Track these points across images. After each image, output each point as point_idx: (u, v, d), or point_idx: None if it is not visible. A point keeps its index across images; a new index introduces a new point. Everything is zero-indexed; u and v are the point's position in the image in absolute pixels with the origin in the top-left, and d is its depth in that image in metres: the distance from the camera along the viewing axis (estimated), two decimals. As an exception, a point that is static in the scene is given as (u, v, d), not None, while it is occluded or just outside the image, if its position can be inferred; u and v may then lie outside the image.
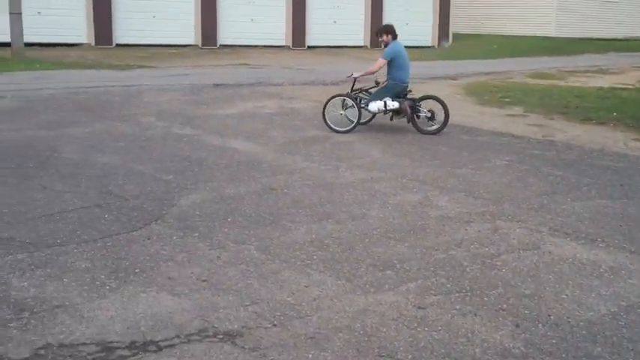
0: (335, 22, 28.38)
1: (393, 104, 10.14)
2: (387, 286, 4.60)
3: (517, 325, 4.10)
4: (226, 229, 5.72)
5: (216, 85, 15.27)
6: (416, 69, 21.16)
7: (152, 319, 4.10)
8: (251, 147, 9.01)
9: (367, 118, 10.62)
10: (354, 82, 10.50)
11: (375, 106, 10.19)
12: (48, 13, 21.97)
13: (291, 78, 17.14)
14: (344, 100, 10.36)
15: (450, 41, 31.92)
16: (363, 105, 10.27)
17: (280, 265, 4.99)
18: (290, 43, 27.55)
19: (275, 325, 4.04)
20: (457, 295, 4.48)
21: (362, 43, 29.35)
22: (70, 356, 3.67)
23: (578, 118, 11.97)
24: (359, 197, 6.75)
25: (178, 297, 4.43)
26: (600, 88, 16.05)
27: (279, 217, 6.07)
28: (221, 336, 3.92)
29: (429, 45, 31.12)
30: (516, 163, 8.42)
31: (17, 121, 10.36)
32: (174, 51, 23.94)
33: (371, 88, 10.47)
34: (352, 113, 10.29)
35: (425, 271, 4.88)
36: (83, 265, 4.88)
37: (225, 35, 25.99)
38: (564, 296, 4.53)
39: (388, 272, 4.84)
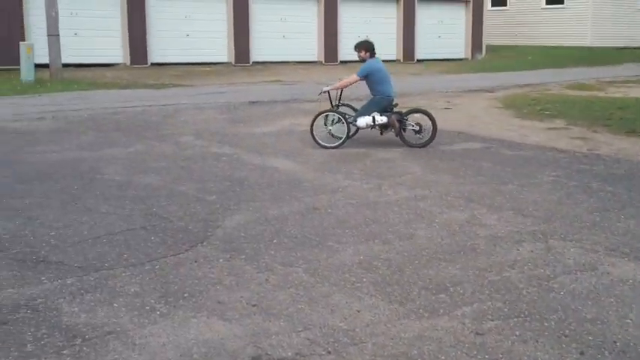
0: (367, 36, 28.33)
1: (381, 119, 10.21)
2: (441, 311, 4.49)
3: (582, 353, 3.95)
4: (272, 251, 5.65)
5: (252, 103, 15.32)
6: (450, 82, 21.17)
7: (204, 345, 4.03)
8: (291, 165, 8.96)
9: (352, 132, 10.61)
10: (341, 94, 10.56)
11: (364, 121, 10.23)
12: (84, 34, 22.28)
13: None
14: (329, 115, 10.43)
15: (484, 53, 31.74)
16: (350, 120, 10.31)
17: (330, 288, 4.90)
18: (322, 59, 27.60)
19: (329, 353, 3.95)
20: (516, 320, 4.35)
21: (394, 57, 29.30)
22: (125, 386, 3.62)
23: (622, 130, 11.75)
24: (404, 216, 6.65)
25: (229, 322, 4.36)
26: (642, 99, 15.80)
27: (325, 238, 5.99)
28: (275, 363, 3.84)
29: (462, 57, 30.99)
30: (564, 179, 8.25)
31: (58, 142, 10.45)
32: (208, 69, 24.12)
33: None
34: (339, 129, 10.36)
35: (479, 294, 4.76)
36: (132, 290, 4.84)
37: (258, 52, 26.13)
38: (628, 321, 4.37)
39: (442, 296, 4.73)
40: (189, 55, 24.44)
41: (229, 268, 5.29)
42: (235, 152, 9.78)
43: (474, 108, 14.93)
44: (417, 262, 5.41)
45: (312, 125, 10.44)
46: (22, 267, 5.23)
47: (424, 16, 29.83)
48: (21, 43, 19.27)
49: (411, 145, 10.28)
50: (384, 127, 10.38)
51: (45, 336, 4.11)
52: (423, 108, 11.25)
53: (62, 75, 19.34)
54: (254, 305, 4.61)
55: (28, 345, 3.99)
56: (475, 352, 3.93)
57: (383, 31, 28.79)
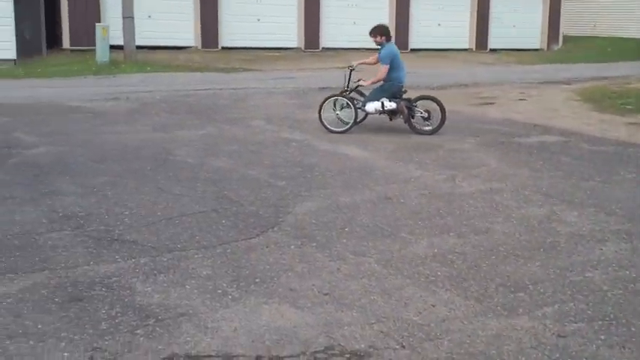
0: (439, 24, 27.94)
1: (390, 105, 10.11)
2: (520, 310, 4.32)
3: (672, 361, 3.76)
4: (344, 240, 5.56)
5: (321, 89, 15.23)
6: (525, 73, 20.69)
7: (276, 332, 3.98)
8: (362, 153, 8.85)
9: (360, 118, 10.47)
10: (350, 78, 10.38)
11: (372, 106, 10.17)
12: (158, 17, 22.51)
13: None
14: (339, 100, 10.34)
15: (561, 44, 30.92)
16: (359, 106, 10.22)
17: (403, 280, 4.79)
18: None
19: (404, 347, 3.84)
20: (600, 323, 4.15)
21: (467, 46, 28.81)
22: (197, 369, 3.60)
23: None
24: (480, 210, 6.47)
25: (301, 310, 4.29)
26: None
27: (398, 229, 5.87)
28: (348, 355, 3.75)
29: (538, 48, 30.26)
30: (647, 177, 7.93)
31: (132, 123, 10.57)
32: (277, 54, 24.13)
33: (358, 82, 10.35)
34: (347, 114, 10.28)
35: (561, 294, 4.57)
36: (204, 272, 4.82)
37: (328, 38, 26.01)
38: None
39: (521, 294, 4.56)
40: (259, 39, 24.48)
41: (301, 255, 5.23)
42: (306, 138, 9.72)
43: (550, 100, 14.53)
44: (494, 257, 5.24)
45: (320, 109, 10.37)
46: (98, 245, 5.27)
47: (499, 4, 29.19)
48: (97, 24, 19.61)
49: (419, 132, 10.22)
50: (392, 113, 10.29)
51: (119, 314, 4.12)
52: (432, 95, 11.10)
53: (136, 57, 19.61)
54: (326, 294, 4.53)
55: (103, 323, 4.01)
56: (557, 355, 3.76)
57: (456, 19, 28.33)
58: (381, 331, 4.01)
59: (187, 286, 4.58)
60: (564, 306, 4.38)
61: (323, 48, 25.92)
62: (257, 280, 4.72)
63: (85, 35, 20.79)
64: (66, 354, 3.68)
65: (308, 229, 5.83)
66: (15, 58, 19.33)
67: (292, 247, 5.39)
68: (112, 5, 21.28)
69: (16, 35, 19.32)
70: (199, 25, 23.55)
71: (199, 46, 23.59)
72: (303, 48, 25.49)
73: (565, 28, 31.58)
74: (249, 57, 22.58)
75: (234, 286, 4.62)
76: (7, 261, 4.88)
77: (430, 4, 27.77)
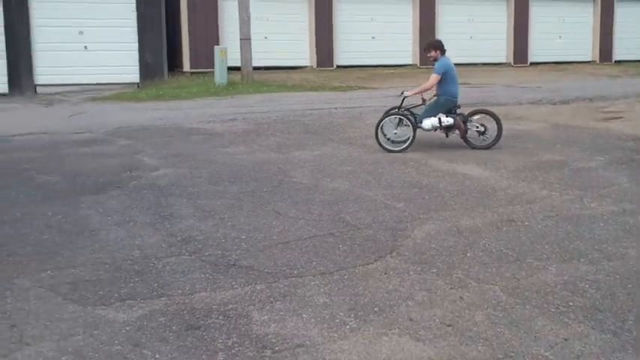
0: (560, 36, 27.02)
1: (447, 120, 9.91)
2: (665, 346, 3.95)
3: None
4: (466, 266, 5.30)
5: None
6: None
7: (397, 367, 3.79)
8: (482, 172, 8.53)
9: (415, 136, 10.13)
10: (403, 100, 10.12)
11: (429, 122, 9.94)
12: (274, 38, 22.87)
13: (516, 97, 16.42)
14: (397, 118, 10.00)
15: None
16: (416, 123, 10.00)
17: (532, 311, 4.49)
18: (511, 60, 26.63)
19: (535, 386, 3.57)
20: None
21: (589, 58, 27.71)
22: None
23: None
24: (612, 233, 6.05)
25: (423, 343, 4.08)
26: None
27: (523, 254, 5.55)
28: (474, 393, 3.52)
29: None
30: None
31: (249, 143, 10.65)
32: (392, 71, 23.98)
33: (417, 105, 10.21)
34: (405, 132, 9.98)
35: None
36: (321, 300, 4.69)
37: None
38: None
39: (664, 328, 4.18)
40: (374, 57, 24.45)
41: (421, 282, 5.02)
42: (423, 157, 9.48)
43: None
44: (631, 286, 4.85)
45: (377, 127, 10.05)
46: (215, 270, 5.24)
47: (626, 14, 27.94)
48: (215, 47, 20.10)
49: (474, 147, 9.99)
50: (448, 129, 10.00)
51: (236, 345, 4.04)
52: (487, 108, 10.74)
53: (253, 77, 19.96)
54: (449, 325, 4.30)
55: (220, 353, 3.93)
56: None
57: (578, 30, 27.35)
58: (510, 368, 3.75)
59: (304, 315, 4.45)
60: None
61: (438, 64, 25.57)
62: (376, 309, 4.54)
63: (205, 58, 21.38)
64: (183, 385, 3.62)
65: (428, 254, 5.61)
66: (138, 81, 20.11)
67: (412, 273, 5.19)
68: (230, 28, 21.79)
69: (140, 60, 20.11)
70: (314, 45, 23.76)
71: (314, 66, 23.78)
72: (418, 64, 25.24)
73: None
74: (364, 75, 22.55)
75: (352, 315, 4.46)
76: (127, 287, 4.92)
77: (550, 16, 26.92)
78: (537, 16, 26.76)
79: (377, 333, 4.21)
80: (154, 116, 13.98)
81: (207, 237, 6.03)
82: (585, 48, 27.69)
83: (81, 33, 19.64)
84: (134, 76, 20.23)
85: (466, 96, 16.52)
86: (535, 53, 26.76)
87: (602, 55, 27.94)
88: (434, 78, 9.99)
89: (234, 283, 4.99)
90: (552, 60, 26.65)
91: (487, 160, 9.23)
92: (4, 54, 18.78)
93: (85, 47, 19.73)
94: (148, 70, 20.31)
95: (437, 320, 4.37)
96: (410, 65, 25.17)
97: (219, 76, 19.47)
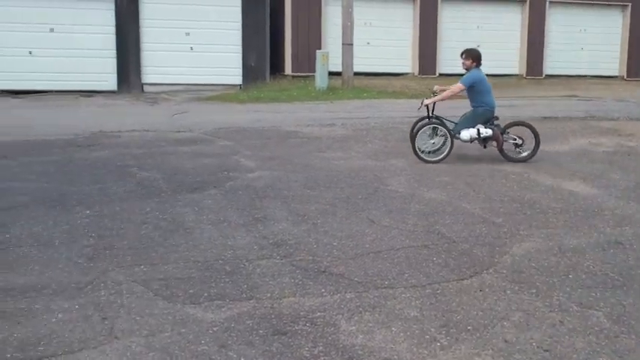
0: (582, 48, 25.64)
1: (486, 131, 9.65)
2: None
3: None
4: (568, 288, 5.02)
5: (544, 118, 14.46)
6: None
7: (489, 390, 3.59)
8: (588, 190, 8.14)
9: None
10: (433, 108, 9.79)
11: (468, 134, 9.66)
12: (376, 44, 22.75)
13: (628, 112, 15.71)
14: (433, 129, 9.66)
15: None
16: (454, 134, 9.72)
17: (638, 341, 4.19)
18: (624, 74, 25.57)
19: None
20: None
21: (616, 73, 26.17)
22: None
23: None
24: None
25: (517, 367, 3.87)
26: None
27: (631, 279, 5.22)
28: None
29: None
30: None
31: (346, 149, 10.57)
32: (496, 81, 23.37)
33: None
34: (440, 141, 9.77)
35: None
36: (412, 314, 4.53)
37: (552, 65, 24.91)
38: None
39: None
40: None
41: (518, 302, 4.78)
42: (526, 171, 9.14)
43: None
44: None
45: (414, 138, 9.70)
46: (304, 275, 5.17)
47: None
48: (317, 51, 20.17)
49: (511, 160, 9.73)
50: (485, 140, 9.74)
51: (321, 354, 3.94)
52: (525, 120, 10.44)
53: (353, 83, 19.90)
54: (546, 350, 4.07)
55: (305, 362, 3.85)
56: None
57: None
58: (613, 402, 3.50)
59: (393, 328, 4.31)
60: None
61: (546, 75, 24.84)
62: (469, 328, 4.35)
63: (306, 62, 21.49)
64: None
65: (526, 272, 5.35)
66: (240, 83, 20.40)
67: (508, 292, 4.96)
68: (332, 33, 21.82)
69: (243, 62, 20.41)
70: (417, 52, 23.50)
71: (416, 73, 23.53)
72: (524, 75, 24.60)
73: None
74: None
75: (444, 332, 4.28)
76: (217, 286, 4.91)
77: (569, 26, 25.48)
78: (554, 25, 25.37)
79: (469, 353, 4.02)
80: (253, 118, 14.11)
81: (299, 241, 5.97)
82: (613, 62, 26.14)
83: (187, 34, 20.09)
84: (237, 78, 20.54)
85: (573, 109, 15.99)
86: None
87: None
88: (457, 87, 9.75)
89: (323, 290, 4.90)
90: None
91: (595, 177, 8.82)
92: (114, 53, 19.43)
93: (191, 48, 20.17)
94: (250, 72, 20.58)
95: (534, 344, 4.15)
96: (515, 75, 24.54)
97: (320, 80, 19.51)
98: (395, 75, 23.09)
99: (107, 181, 8.14)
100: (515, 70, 24.75)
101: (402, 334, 4.25)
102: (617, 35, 25.73)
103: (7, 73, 18.70)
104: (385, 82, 21.62)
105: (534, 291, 4.98)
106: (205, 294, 4.77)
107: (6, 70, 18.72)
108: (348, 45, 19.82)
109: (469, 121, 9.80)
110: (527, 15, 24.60)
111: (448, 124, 9.89)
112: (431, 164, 9.48)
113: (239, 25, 20.44)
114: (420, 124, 9.90)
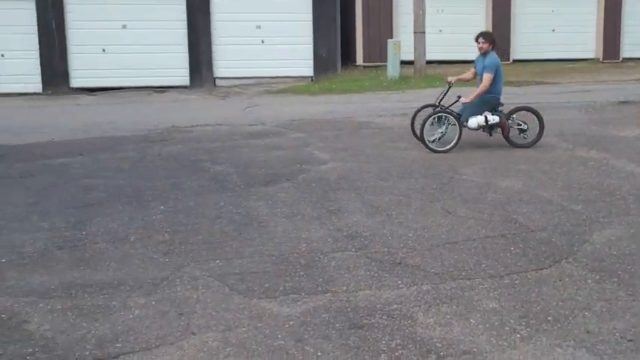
0: None
1: (493, 118, 9.48)
2: None
3: None
4: (652, 277, 4.87)
5: (622, 103, 14.03)
6: None
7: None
8: (672, 175, 7.85)
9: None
10: (442, 98, 9.77)
11: (476, 121, 9.46)
12: (448, 31, 22.42)
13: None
14: (442, 117, 9.38)
15: None
16: (461, 121, 9.51)
17: None
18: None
19: None
20: None
21: None
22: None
23: None
24: None
25: (600, 358, 3.78)
26: None
27: None
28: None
29: None
30: None
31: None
32: (571, 65, 22.82)
33: (454, 103, 9.64)
34: (450, 130, 9.48)
35: None
36: (490, 305, 4.46)
37: (630, 48, 24.09)
38: None
39: None
40: (553, 51, 23.36)
41: (599, 291, 4.66)
42: (604, 157, 8.88)
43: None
44: None
45: (422, 127, 9.42)
46: (380, 268, 5.15)
47: None
48: (389, 40, 20.02)
49: (516, 146, 9.61)
50: (492, 128, 9.57)
51: (399, 347, 3.92)
52: (529, 105, 10.24)
53: (425, 72, 19.67)
54: (630, 340, 3.96)
55: (382, 355, 3.83)
56: None
57: None
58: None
59: (472, 320, 4.25)
60: None
61: (624, 58, 24.05)
62: (549, 319, 4.26)
63: (378, 51, 21.35)
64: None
65: (607, 261, 5.21)
66: (312, 75, 20.44)
67: (589, 281, 4.83)
68: (403, 21, 21.61)
69: (314, 53, 20.44)
70: (489, 38, 23.08)
71: (488, 60, 23.10)
72: (601, 59, 23.86)
73: None
74: (541, 70, 21.60)
75: (524, 323, 4.20)
76: (292, 280, 4.93)
77: None
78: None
79: (550, 344, 3.94)
80: (325, 109, 14.12)
81: (374, 233, 5.94)
82: None
83: (258, 27, 20.20)
84: (308, 70, 20.57)
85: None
86: None
87: None
88: (489, 77, 9.42)
89: (399, 282, 4.87)
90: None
91: (678, 162, 8.50)
92: (186, 48, 19.73)
93: (262, 41, 20.28)
94: (321, 63, 20.59)
95: (617, 334, 4.04)
96: (591, 59, 23.83)
97: (392, 69, 19.36)
98: (467, 62, 22.66)
99: (181, 176, 8.28)
100: (591, 54, 24.01)
101: (480, 325, 4.19)
102: None
103: (82, 71, 19.20)
104: (458, 69, 21.19)
105: (616, 280, 4.85)
106: (281, 288, 4.80)
107: (81, 68, 19.21)
108: (420, 33, 19.60)
109: (476, 109, 9.55)
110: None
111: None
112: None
113: (310, 16, 20.43)
114: (428, 113, 9.67)
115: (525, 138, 9.72)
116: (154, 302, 4.62)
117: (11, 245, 5.86)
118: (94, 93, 18.65)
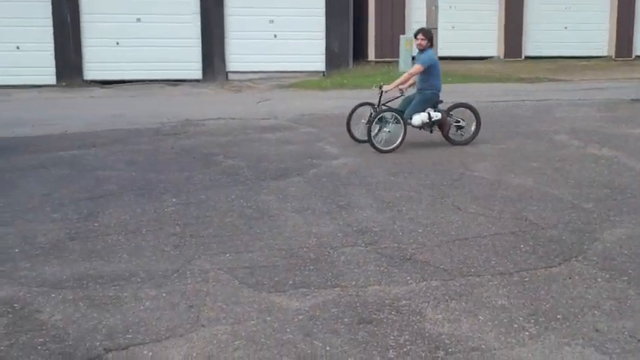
0: None
1: (436, 115, 9.45)
2: None
3: None
4: (663, 277, 4.86)
5: (634, 100, 13.97)
6: None
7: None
8: (684, 175, 7.82)
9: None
10: (382, 94, 9.49)
11: (419, 118, 9.40)
12: (461, 27, 22.38)
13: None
14: (385, 116, 9.27)
15: None
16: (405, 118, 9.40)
17: None
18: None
19: None
20: None
21: None
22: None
23: None
24: None
25: (609, 356, 3.78)
26: None
27: None
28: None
29: None
30: None
31: (429, 134, 10.44)
32: (584, 63, 22.75)
33: (394, 99, 9.69)
34: (397, 129, 9.34)
35: None
36: (499, 302, 4.47)
37: (642, 45, 24.02)
38: None
39: None
40: (565, 48, 23.28)
41: (609, 290, 4.65)
42: (616, 155, 8.85)
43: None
44: None
45: (369, 127, 9.22)
46: (389, 263, 5.16)
47: None
48: (401, 36, 20.01)
49: (453, 143, 9.61)
50: (432, 125, 9.54)
51: (407, 343, 3.93)
52: (466, 102, 10.23)
53: (438, 68, 19.65)
54: (639, 340, 3.94)
55: (391, 350, 3.84)
56: None
57: None
58: None
59: (480, 317, 4.26)
60: None
61: (636, 56, 23.94)
62: (558, 317, 4.26)
63: (390, 47, 21.35)
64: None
65: (618, 260, 5.20)
66: (324, 70, 20.45)
67: (599, 280, 4.83)
68: (416, 17, 21.57)
69: (326, 48, 20.45)
70: (503, 35, 23.01)
71: (501, 56, 23.05)
72: (614, 56, 23.76)
73: None
74: (553, 66, 21.54)
75: (532, 321, 4.21)
76: (301, 274, 4.95)
77: None
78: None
79: (559, 342, 3.94)
80: (336, 104, 14.11)
81: (384, 229, 5.96)
82: None
83: (271, 21, 20.23)
84: (320, 65, 20.58)
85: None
86: None
87: None
88: (416, 68, 9.44)
89: (408, 278, 4.88)
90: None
91: (691, 161, 8.47)
92: (199, 42, 19.77)
93: (275, 35, 20.30)
94: (333, 58, 20.60)
95: (626, 333, 4.04)
96: (604, 57, 23.73)
97: (404, 65, 19.34)
98: (480, 59, 22.69)
99: (193, 170, 8.32)
100: (604, 52, 23.93)
101: (489, 322, 4.20)
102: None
103: (96, 64, 19.30)
104: (470, 66, 21.27)
105: (626, 278, 4.84)
106: (290, 282, 4.82)
107: (94, 61, 19.31)
108: (432, 29, 19.56)
109: (418, 106, 9.48)
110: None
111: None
112: (520, 148, 9.32)
113: (322, 11, 20.44)
114: (375, 114, 9.40)
115: (462, 135, 9.74)
116: (164, 294, 4.65)
117: (24, 236, 5.91)
118: (107, 85, 18.73)
